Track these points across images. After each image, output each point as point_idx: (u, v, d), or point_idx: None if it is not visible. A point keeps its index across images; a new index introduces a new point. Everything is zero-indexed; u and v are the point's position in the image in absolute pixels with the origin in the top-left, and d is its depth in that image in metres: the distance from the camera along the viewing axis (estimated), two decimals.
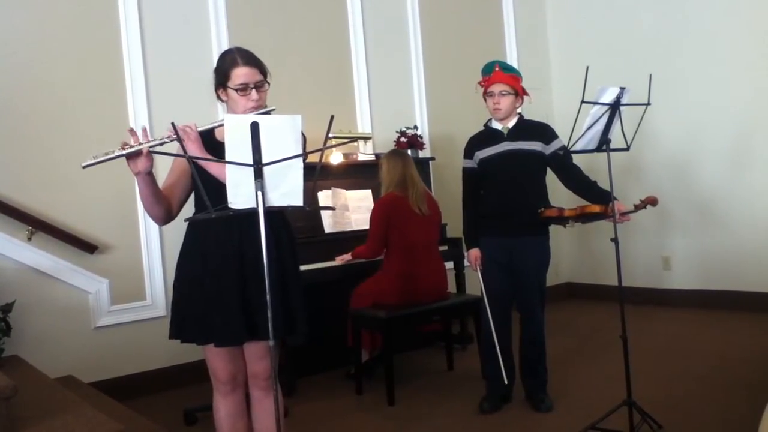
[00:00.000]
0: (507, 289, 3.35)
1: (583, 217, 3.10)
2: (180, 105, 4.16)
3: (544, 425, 3.17)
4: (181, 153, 2.07)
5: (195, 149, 2.09)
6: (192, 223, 2.23)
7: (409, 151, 4.58)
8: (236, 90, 2.18)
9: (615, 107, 2.81)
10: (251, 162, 1.89)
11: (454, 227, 4.33)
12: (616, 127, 2.88)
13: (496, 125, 3.39)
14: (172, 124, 2.06)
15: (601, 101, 2.79)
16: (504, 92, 3.29)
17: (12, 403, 2.26)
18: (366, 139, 4.93)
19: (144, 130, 2.10)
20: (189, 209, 2.29)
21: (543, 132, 3.38)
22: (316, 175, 2.13)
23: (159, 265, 4.18)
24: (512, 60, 5.96)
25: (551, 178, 3.41)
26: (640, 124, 2.99)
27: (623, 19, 5.75)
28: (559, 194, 3.65)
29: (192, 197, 2.35)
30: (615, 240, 2.89)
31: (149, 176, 2.13)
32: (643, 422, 2.81)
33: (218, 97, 2.28)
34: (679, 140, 5.43)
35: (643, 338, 4.43)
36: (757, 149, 5.02)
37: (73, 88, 3.96)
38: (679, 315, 5.19)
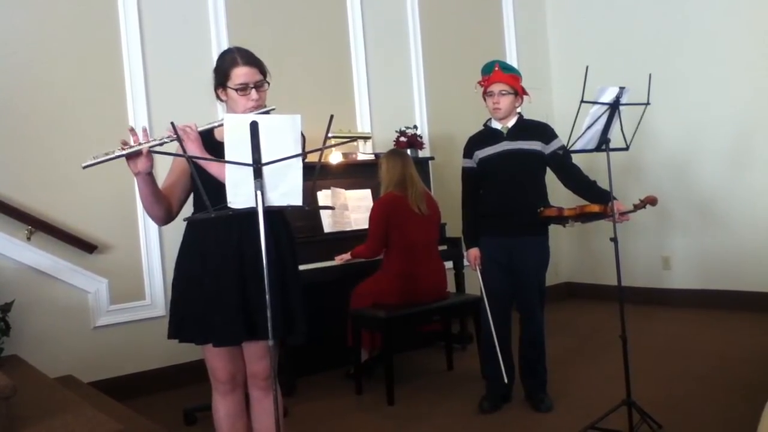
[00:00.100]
0: (507, 288, 3.35)
1: (583, 216, 3.10)
2: (180, 105, 4.16)
3: (543, 425, 3.17)
4: (181, 153, 2.07)
5: (195, 149, 2.09)
6: (191, 222, 2.23)
7: (408, 151, 4.58)
8: (236, 90, 2.18)
9: (614, 107, 2.81)
10: (251, 162, 1.89)
11: (454, 227, 4.32)
12: (615, 126, 2.89)
13: (496, 125, 3.39)
14: (172, 123, 2.06)
15: (600, 101, 2.79)
16: (504, 92, 3.29)
17: (11, 402, 2.26)
18: (365, 138, 4.93)
19: (144, 130, 2.10)
20: (189, 209, 2.29)
21: (543, 132, 3.38)
22: (316, 175, 2.13)
23: (158, 264, 4.18)
24: (512, 60, 5.96)
25: (551, 178, 3.41)
26: (639, 123, 2.99)
27: (623, 19, 5.74)
28: (559, 194, 3.65)
29: (192, 197, 2.34)
30: (614, 240, 2.89)
31: (149, 176, 2.12)
32: (642, 422, 2.81)
33: (218, 97, 2.28)
34: (679, 140, 5.42)
35: (642, 338, 4.43)
36: (757, 149, 5.02)
37: (73, 88, 3.96)
38: (679, 315, 5.18)
